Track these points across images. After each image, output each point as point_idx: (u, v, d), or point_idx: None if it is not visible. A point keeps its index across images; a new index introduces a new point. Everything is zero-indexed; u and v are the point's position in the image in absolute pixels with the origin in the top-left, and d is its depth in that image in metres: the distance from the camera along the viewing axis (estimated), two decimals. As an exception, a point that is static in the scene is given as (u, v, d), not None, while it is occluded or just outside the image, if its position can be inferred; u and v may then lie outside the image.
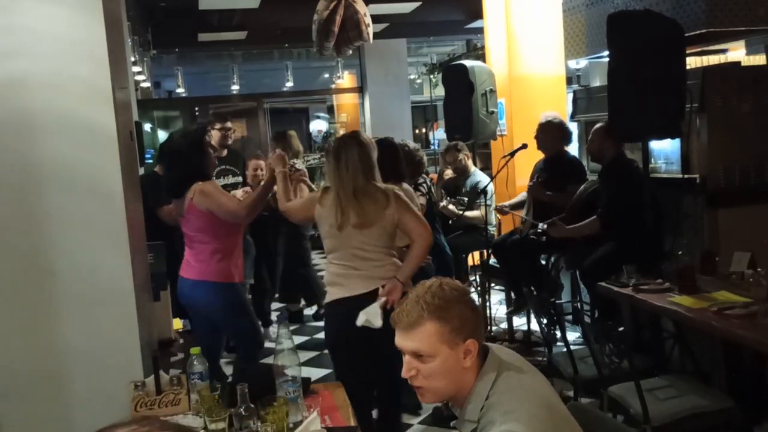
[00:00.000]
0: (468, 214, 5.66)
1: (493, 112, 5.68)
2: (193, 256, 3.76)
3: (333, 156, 3.27)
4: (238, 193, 4.91)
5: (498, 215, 5.89)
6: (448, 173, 6.45)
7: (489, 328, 5.43)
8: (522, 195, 5.43)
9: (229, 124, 5.44)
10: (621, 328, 3.38)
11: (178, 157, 3.77)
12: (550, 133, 5.08)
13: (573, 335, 4.98)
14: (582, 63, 6.58)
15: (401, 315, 1.70)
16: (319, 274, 6.07)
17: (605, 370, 3.27)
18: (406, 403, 4.04)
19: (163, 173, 4.13)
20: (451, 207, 5.74)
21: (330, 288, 3.31)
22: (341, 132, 12.59)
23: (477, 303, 1.80)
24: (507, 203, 5.53)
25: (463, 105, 5.59)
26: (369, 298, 3.14)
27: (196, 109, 11.59)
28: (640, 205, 4.04)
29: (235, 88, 11.23)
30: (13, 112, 2.92)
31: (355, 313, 3.09)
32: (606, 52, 4.08)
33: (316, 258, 7.00)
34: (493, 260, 5.54)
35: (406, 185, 4.27)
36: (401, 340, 1.71)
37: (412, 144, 5.08)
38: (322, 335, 5.98)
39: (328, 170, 3.32)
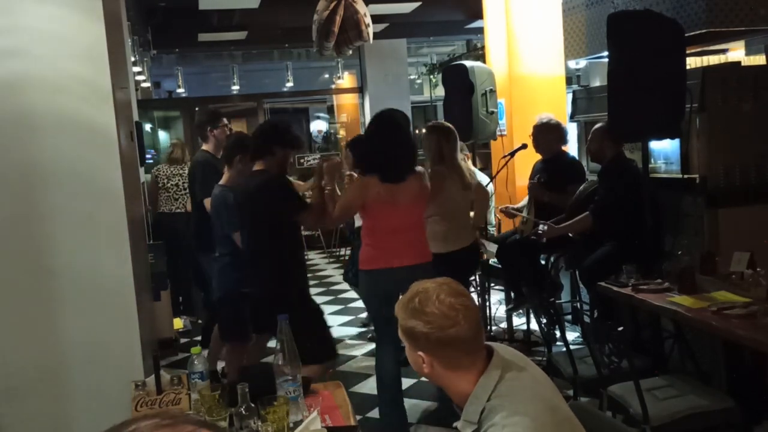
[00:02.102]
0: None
1: (493, 112, 5.68)
2: (421, 236, 3.85)
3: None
4: None
5: (498, 216, 5.89)
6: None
7: (489, 327, 5.44)
8: (524, 201, 5.43)
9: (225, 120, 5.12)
10: (620, 328, 3.38)
11: (402, 136, 3.72)
12: (548, 135, 5.08)
13: (572, 335, 4.99)
14: (582, 63, 6.57)
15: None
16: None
17: (605, 370, 3.28)
18: None
19: (397, 156, 3.73)
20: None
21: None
22: (342, 132, 12.61)
23: (458, 321, 1.70)
24: (512, 206, 5.52)
25: (463, 105, 5.59)
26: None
27: (197, 109, 11.59)
28: (639, 205, 4.04)
29: (235, 88, 11.23)
30: (13, 112, 2.92)
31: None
32: (606, 52, 4.08)
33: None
34: (493, 260, 5.54)
35: None
36: None
37: None
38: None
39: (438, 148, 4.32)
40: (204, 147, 4.77)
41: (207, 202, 4.46)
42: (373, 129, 3.85)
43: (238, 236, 4.06)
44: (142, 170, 4.67)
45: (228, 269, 4.20)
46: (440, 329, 1.68)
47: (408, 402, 4.49)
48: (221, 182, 4.29)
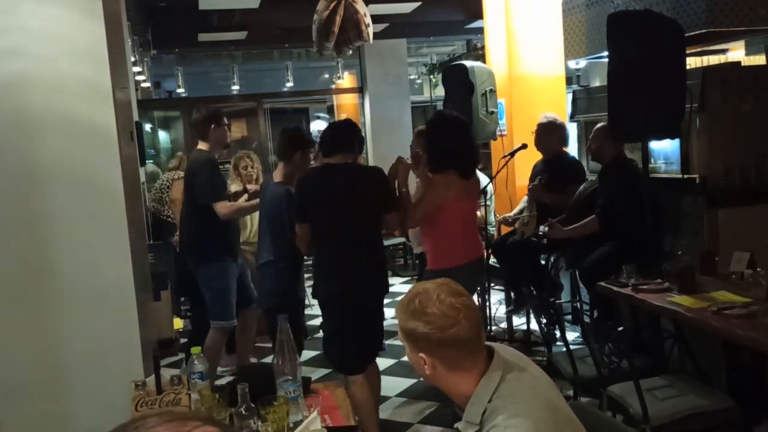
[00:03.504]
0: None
1: (493, 112, 5.68)
2: (477, 230, 4.02)
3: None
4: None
5: (498, 224, 5.89)
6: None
7: (489, 327, 5.44)
8: (522, 203, 5.43)
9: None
10: (620, 328, 3.38)
11: (472, 134, 4.03)
12: (552, 134, 5.09)
13: (572, 335, 4.99)
14: (582, 63, 6.57)
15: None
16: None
17: (605, 370, 3.28)
18: None
19: (472, 150, 4.00)
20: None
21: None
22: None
23: (460, 320, 1.68)
24: (510, 214, 5.52)
25: (463, 105, 5.58)
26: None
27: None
28: (639, 205, 4.04)
29: (235, 88, 11.21)
30: (13, 112, 2.92)
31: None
32: (606, 52, 4.08)
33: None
34: (493, 260, 5.53)
35: None
36: None
37: None
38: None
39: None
40: (201, 146, 4.39)
41: (219, 207, 4.20)
42: (449, 128, 3.86)
43: (303, 228, 3.64)
44: (142, 170, 4.64)
45: (284, 274, 3.99)
46: (441, 329, 1.67)
47: (408, 402, 4.50)
48: (277, 179, 4.03)
